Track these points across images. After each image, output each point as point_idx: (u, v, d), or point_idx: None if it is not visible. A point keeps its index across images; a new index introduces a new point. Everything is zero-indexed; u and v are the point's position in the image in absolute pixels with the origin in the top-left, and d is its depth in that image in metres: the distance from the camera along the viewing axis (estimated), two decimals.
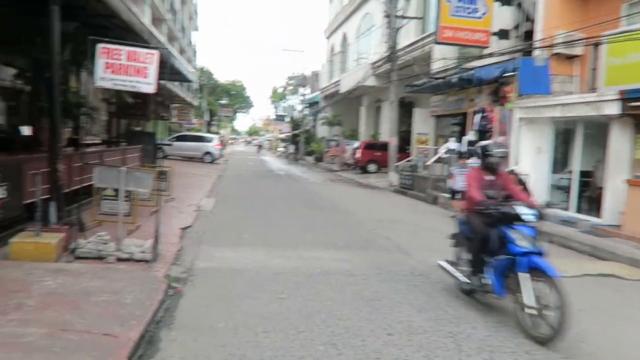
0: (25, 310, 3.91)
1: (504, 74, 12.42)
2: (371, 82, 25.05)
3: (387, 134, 26.70)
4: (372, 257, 7.01)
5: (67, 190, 6.16)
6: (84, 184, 7.19)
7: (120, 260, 5.50)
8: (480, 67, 13.83)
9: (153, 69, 5.66)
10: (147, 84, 5.67)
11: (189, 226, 8.35)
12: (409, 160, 19.34)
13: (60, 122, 6.08)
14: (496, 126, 13.33)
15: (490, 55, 13.50)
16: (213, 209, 10.64)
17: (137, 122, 26.76)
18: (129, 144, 16.79)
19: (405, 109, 27.60)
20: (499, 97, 13.24)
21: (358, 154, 25.35)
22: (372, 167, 25.20)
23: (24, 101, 10.25)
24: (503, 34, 13.61)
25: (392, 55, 18.15)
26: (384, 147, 25.14)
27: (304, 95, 44.40)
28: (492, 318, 4.70)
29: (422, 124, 19.54)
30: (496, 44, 13.64)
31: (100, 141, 10.63)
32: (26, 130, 11.77)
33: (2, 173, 5.49)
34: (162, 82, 26.87)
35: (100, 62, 5.60)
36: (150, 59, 5.62)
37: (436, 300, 5.16)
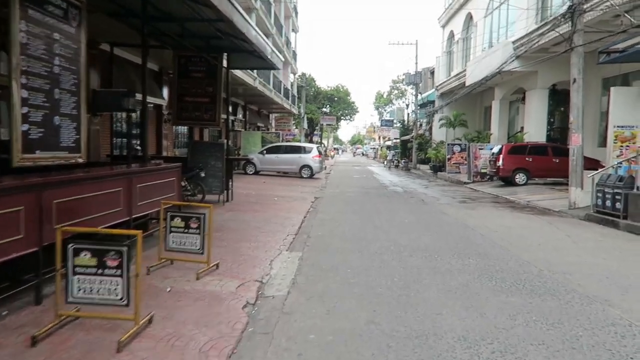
0: None
1: None
2: (514, 65, 18.85)
3: (536, 132, 20.14)
4: None
5: None
6: None
7: None
8: None
9: None
10: None
11: None
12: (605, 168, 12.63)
13: None
14: None
15: None
16: (290, 296, 4.88)
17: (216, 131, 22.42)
18: (191, 159, 12.09)
19: (557, 97, 20.87)
20: None
21: (500, 161, 19.05)
22: (520, 177, 18.96)
23: None
24: None
25: (576, 5, 11.60)
26: (538, 150, 18.71)
27: (416, 94, 38.26)
28: None
29: (627, 111, 12.42)
30: None
31: (82, 161, 5.27)
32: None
33: None
34: (255, 85, 22.45)
35: None
36: None
37: None
